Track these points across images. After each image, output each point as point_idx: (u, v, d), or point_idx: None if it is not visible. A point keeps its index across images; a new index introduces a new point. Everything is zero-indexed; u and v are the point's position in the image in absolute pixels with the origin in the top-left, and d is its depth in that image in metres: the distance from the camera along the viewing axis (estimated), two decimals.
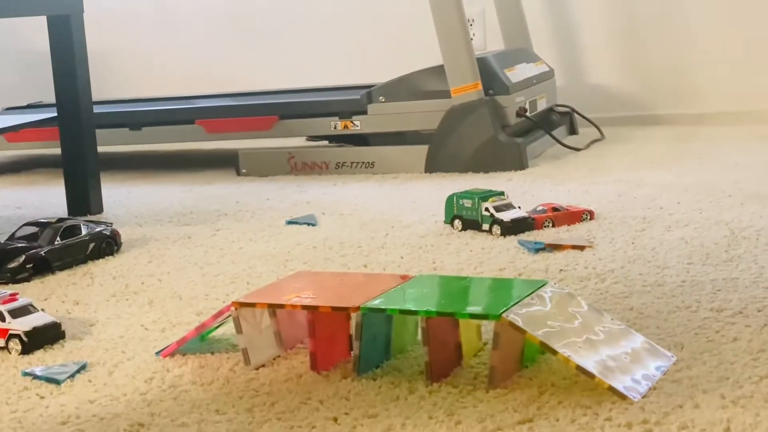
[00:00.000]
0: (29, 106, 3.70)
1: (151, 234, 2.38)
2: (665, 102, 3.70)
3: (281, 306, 1.44)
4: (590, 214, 2.26)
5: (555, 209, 2.24)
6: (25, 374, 1.48)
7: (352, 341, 1.41)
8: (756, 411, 1.21)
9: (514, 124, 3.07)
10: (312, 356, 1.43)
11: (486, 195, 2.21)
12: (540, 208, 2.25)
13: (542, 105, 3.31)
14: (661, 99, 3.70)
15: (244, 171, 3.15)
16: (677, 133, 3.45)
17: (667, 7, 3.66)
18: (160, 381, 1.43)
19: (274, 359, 1.49)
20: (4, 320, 1.59)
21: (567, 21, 3.77)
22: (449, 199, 2.26)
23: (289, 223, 2.41)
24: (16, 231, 2.16)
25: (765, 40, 3.58)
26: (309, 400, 1.33)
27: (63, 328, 1.65)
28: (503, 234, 2.15)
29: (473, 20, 3.77)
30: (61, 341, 1.63)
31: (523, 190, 2.64)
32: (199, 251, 2.19)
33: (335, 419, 1.27)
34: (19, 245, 2.08)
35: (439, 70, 3.05)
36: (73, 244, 2.12)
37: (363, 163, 3.06)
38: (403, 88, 3.10)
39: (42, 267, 2.06)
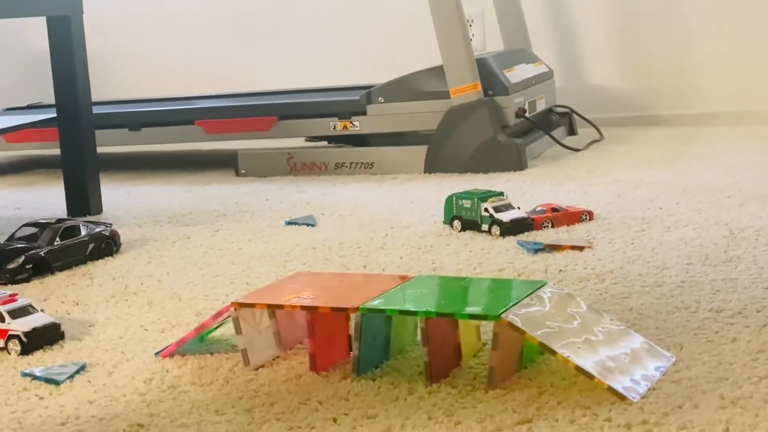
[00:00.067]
0: (29, 107, 3.70)
1: (151, 235, 2.38)
2: (664, 103, 3.70)
3: (280, 306, 1.44)
4: (589, 215, 2.26)
5: (554, 210, 2.24)
6: (25, 375, 1.48)
7: (352, 342, 1.41)
8: (755, 411, 1.21)
9: (513, 124, 3.07)
10: (311, 357, 1.43)
11: (485, 195, 2.21)
12: (539, 208, 2.25)
13: (541, 105, 3.31)
14: (660, 100, 3.70)
15: (243, 171, 3.15)
16: (676, 134, 3.45)
17: (666, 8, 3.66)
18: (160, 382, 1.43)
19: (273, 360, 1.49)
20: (3, 321, 1.59)
21: (566, 22, 3.77)
22: (448, 200, 2.26)
23: (289, 223, 2.41)
24: (15, 232, 2.16)
25: (764, 40, 3.58)
26: (308, 401, 1.33)
27: (62, 328, 1.65)
28: (502, 234, 2.15)
29: (472, 21, 3.77)
30: (60, 342, 1.63)
31: (523, 191, 2.64)
32: (198, 252, 2.19)
33: (334, 420, 1.27)
34: (19, 246, 2.08)
35: (438, 71, 3.05)
36: (73, 244, 2.12)
37: (362, 163, 3.06)
38: (403, 89, 3.10)
39: (41, 267, 2.06)
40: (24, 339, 1.58)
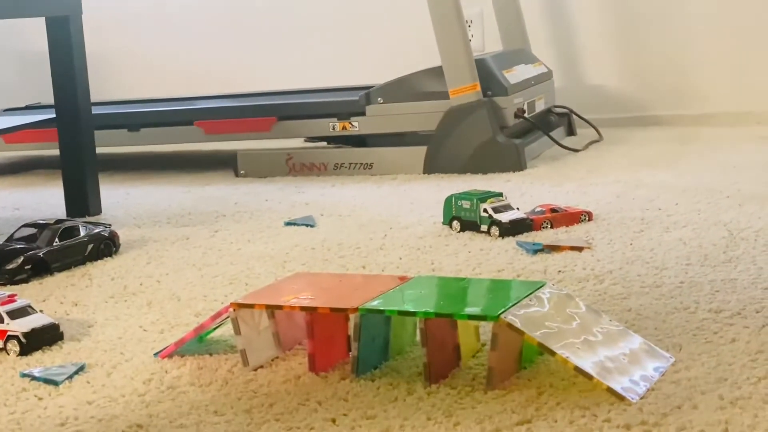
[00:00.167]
0: (28, 107, 3.70)
1: (150, 235, 2.38)
2: (663, 103, 3.70)
3: (280, 307, 1.44)
4: (588, 215, 2.26)
5: (553, 210, 2.24)
6: (24, 375, 1.48)
7: (351, 342, 1.41)
8: (754, 412, 1.21)
9: (512, 125, 3.07)
10: (310, 357, 1.43)
11: (484, 196, 2.21)
12: (538, 209, 2.25)
13: (540, 106, 3.31)
14: (659, 100, 3.70)
15: (242, 172, 3.15)
16: (675, 134, 3.45)
17: (666, 9, 3.66)
18: (159, 382, 1.43)
19: (272, 360, 1.49)
20: (2, 321, 1.59)
21: (565, 22, 3.77)
22: (448, 200, 2.26)
23: (288, 224, 2.41)
24: (14, 232, 2.16)
25: (763, 41, 3.58)
26: (307, 401, 1.33)
27: (61, 329, 1.65)
28: (502, 235, 2.15)
29: (472, 21, 3.77)
30: (59, 342, 1.63)
31: (522, 191, 2.64)
32: (197, 252, 2.19)
33: (333, 420, 1.27)
34: (18, 246, 2.08)
35: (437, 72, 3.05)
36: (72, 245, 2.12)
37: (361, 164, 3.06)
38: (402, 89, 3.10)
39: (40, 268, 2.06)
40: (23, 339, 1.58)
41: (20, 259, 2.03)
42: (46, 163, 3.56)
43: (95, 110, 2.79)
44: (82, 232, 2.15)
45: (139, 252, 2.22)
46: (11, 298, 1.63)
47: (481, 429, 1.22)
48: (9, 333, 1.58)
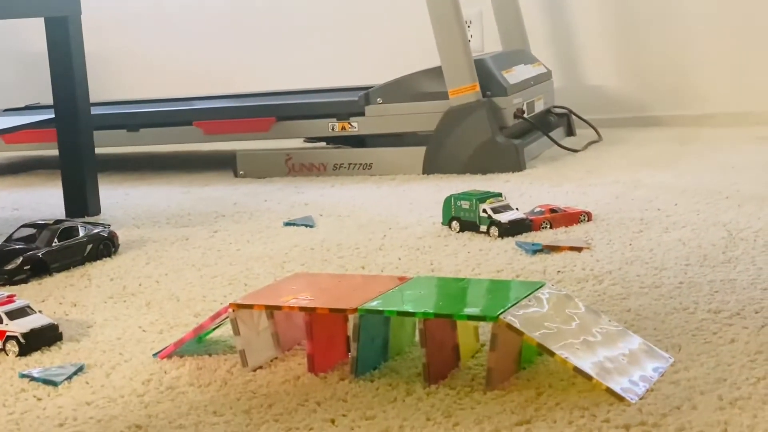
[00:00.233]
0: (27, 108, 3.70)
1: (149, 235, 2.38)
2: (663, 103, 3.70)
3: (279, 308, 1.44)
4: (588, 216, 2.26)
5: (553, 211, 2.24)
6: (23, 376, 1.48)
7: (350, 343, 1.41)
8: (754, 412, 1.21)
9: (511, 125, 3.07)
10: (309, 358, 1.43)
11: (484, 196, 2.21)
12: (538, 209, 2.25)
13: (540, 106, 3.31)
14: (659, 100, 3.70)
15: (241, 172, 3.15)
16: (675, 135, 3.45)
17: (665, 9, 3.66)
18: (158, 383, 1.43)
19: (271, 361, 1.49)
20: (1, 322, 1.59)
21: (564, 22, 3.77)
22: (447, 201, 2.26)
23: (287, 224, 2.41)
24: (13, 232, 2.16)
25: (762, 41, 3.58)
26: (306, 402, 1.33)
27: (60, 329, 1.65)
28: (501, 235, 2.15)
29: (471, 22, 3.77)
30: (58, 343, 1.62)
31: (521, 192, 2.64)
32: (196, 253, 2.19)
33: (332, 421, 1.27)
34: (17, 247, 2.07)
35: (436, 72, 3.05)
36: (71, 245, 2.12)
37: (361, 164, 3.06)
38: (401, 90, 3.10)
39: (39, 268, 2.06)
40: (22, 340, 1.58)
41: (19, 260, 2.03)
42: (46, 163, 3.56)
43: (94, 110, 2.79)
44: (81, 233, 2.15)
45: (138, 252, 2.22)
46: (10, 299, 1.63)
47: (480, 429, 1.22)
48: (8, 333, 1.58)
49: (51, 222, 2.15)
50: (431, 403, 1.30)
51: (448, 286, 1.52)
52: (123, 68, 4.18)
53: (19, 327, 1.58)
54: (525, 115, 3.12)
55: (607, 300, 1.69)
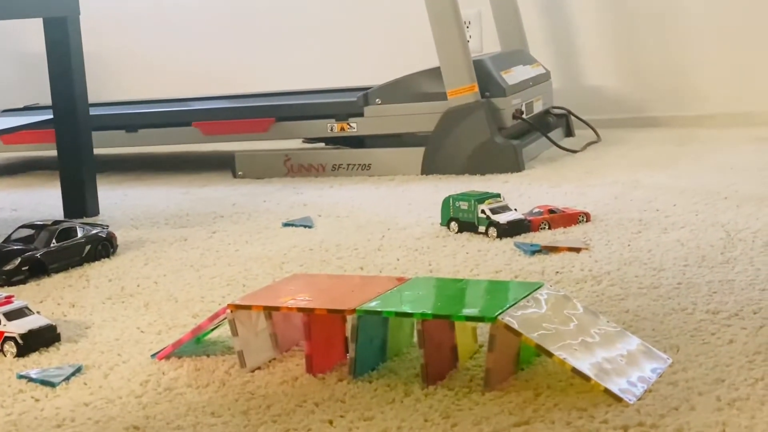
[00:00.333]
0: (26, 108, 3.70)
1: (147, 236, 2.38)
2: (661, 104, 3.70)
3: (277, 308, 1.44)
4: (586, 216, 2.26)
5: (551, 211, 2.24)
6: (21, 377, 1.48)
7: (348, 344, 1.40)
8: (752, 413, 1.21)
9: (510, 126, 3.07)
10: (308, 359, 1.43)
11: (482, 197, 2.21)
12: (536, 210, 2.25)
13: (538, 107, 3.31)
14: (657, 101, 3.70)
15: (240, 173, 3.15)
16: (673, 135, 3.45)
17: (663, 10, 3.66)
18: (156, 384, 1.43)
19: (269, 362, 1.49)
20: None
21: (563, 23, 3.77)
22: (445, 202, 2.26)
23: (286, 225, 2.41)
24: (12, 233, 2.16)
25: (761, 42, 3.58)
26: (304, 403, 1.33)
27: (58, 330, 1.65)
28: (499, 236, 2.15)
29: (470, 22, 3.77)
30: (56, 344, 1.62)
31: (520, 192, 2.64)
32: (195, 253, 2.18)
33: (331, 422, 1.27)
34: (15, 247, 2.07)
35: (435, 73, 3.05)
36: (69, 246, 2.12)
37: (359, 165, 3.06)
38: (400, 90, 3.10)
39: (38, 269, 2.05)
40: (20, 341, 1.58)
41: (18, 260, 2.03)
42: (44, 164, 3.55)
43: (93, 111, 2.79)
44: (80, 233, 2.15)
45: (137, 253, 2.22)
46: (8, 300, 1.63)
47: (478, 430, 1.21)
48: (6, 334, 1.58)
49: (49, 223, 2.15)
50: (429, 404, 1.30)
51: (447, 286, 1.52)
52: (122, 69, 4.18)
53: (17, 328, 1.58)
54: (524, 116, 3.12)
55: (606, 301, 1.68)
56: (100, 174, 2.87)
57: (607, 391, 1.27)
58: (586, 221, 2.25)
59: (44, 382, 1.45)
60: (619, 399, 1.26)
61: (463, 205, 2.21)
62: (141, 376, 1.46)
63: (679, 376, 1.34)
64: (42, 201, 2.95)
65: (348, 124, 3.13)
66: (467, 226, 2.21)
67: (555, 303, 1.41)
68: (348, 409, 1.30)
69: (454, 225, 2.23)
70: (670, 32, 3.66)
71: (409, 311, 1.37)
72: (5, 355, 1.58)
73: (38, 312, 1.67)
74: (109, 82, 4.08)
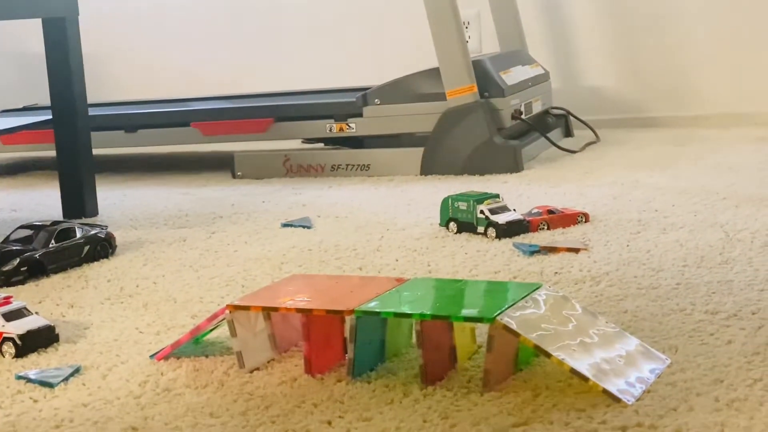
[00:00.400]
0: (25, 109, 3.70)
1: (146, 237, 2.38)
2: (660, 104, 3.70)
3: (276, 309, 1.44)
4: (585, 217, 2.26)
5: (550, 212, 2.24)
6: (19, 377, 1.48)
7: (347, 344, 1.40)
8: (750, 414, 1.21)
9: (509, 126, 3.07)
10: (306, 359, 1.43)
11: (481, 197, 2.21)
12: (535, 210, 2.25)
13: (537, 107, 3.31)
14: (656, 101, 3.70)
15: (239, 173, 3.15)
16: (672, 136, 3.45)
17: (662, 10, 3.66)
18: (154, 384, 1.43)
19: (268, 362, 1.49)
20: None
21: (562, 23, 3.77)
22: (444, 202, 2.26)
23: (285, 225, 2.41)
24: (10, 234, 2.16)
25: (760, 43, 3.58)
26: (303, 404, 1.33)
27: (57, 331, 1.64)
28: (498, 236, 2.15)
29: (469, 23, 3.77)
30: (55, 344, 1.62)
31: (519, 193, 2.64)
32: (194, 254, 2.18)
33: (329, 423, 1.27)
34: (14, 248, 2.07)
35: (434, 73, 3.05)
36: (68, 246, 2.12)
37: (358, 165, 3.06)
38: (399, 91, 3.10)
39: (36, 270, 2.05)
40: (18, 342, 1.57)
41: (16, 261, 2.03)
42: (43, 164, 3.55)
43: (92, 111, 2.79)
44: (79, 234, 2.15)
45: (136, 254, 2.22)
46: (7, 300, 1.63)
47: (477, 431, 1.21)
48: (4, 335, 1.58)
49: (48, 223, 2.15)
50: (428, 405, 1.30)
51: (446, 287, 1.52)
52: (121, 69, 4.18)
53: (15, 328, 1.58)
54: (523, 116, 3.12)
55: (604, 301, 1.68)
56: (99, 174, 2.87)
57: (605, 391, 1.27)
58: (585, 222, 2.25)
59: (43, 383, 1.45)
60: (617, 399, 1.26)
61: (462, 206, 2.21)
62: (139, 377, 1.46)
63: (678, 377, 1.34)
64: (41, 201, 2.95)
65: (347, 124, 3.13)
66: (466, 226, 2.21)
67: (554, 304, 1.41)
68: (347, 410, 1.30)
69: (453, 225, 2.23)
70: (670, 32, 3.67)
71: (408, 312, 1.37)
72: (4, 356, 1.58)
73: (37, 312, 1.67)
74: (108, 82, 4.08)
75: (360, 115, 3.12)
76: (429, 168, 2.99)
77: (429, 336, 1.36)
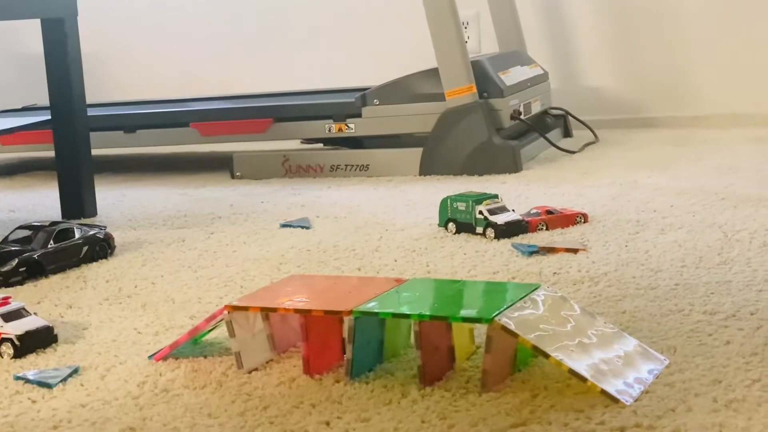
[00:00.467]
0: (24, 109, 3.70)
1: (145, 237, 2.38)
2: (659, 105, 3.70)
3: (274, 310, 1.44)
4: (584, 217, 2.26)
5: (549, 212, 2.24)
6: (17, 378, 1.48)
7: (345, 345, 1.40)
8: (748, 414, 1.21)
9: (508, 127, 3.07)
10: (305, 360, 1.43)
11: (480, 198, 2.21)
12: (534, 211, 2.25)
13: (536, 108, 3.32)
14: (655, 102, 3.70)
15: (238, 174, 3.15)
16: (671, 136, 3.45)
17: (662, 10, 3.67)
18: (153, 385, 1.43)
19: (266, 363, 1.49)
20: None
21: (561, 24, 3.77)
22: (443, 202, 2.26)
23: (283, 226, 2.41)
24: (9, 234, 2.16)
25: (758, 42, 3.58)
26: (301, 404, 1.33)
27: (56, 331, 1.64)
28: (497, 237, 2.15)
29: (468, 23, 3.77)
30: (53, 345, 1.62)
31: (517, 193, 2.64)
32: (192, 254, 2.18)
33: (328, 423, 1.27)
34: (13, 249, 2.07)
35: (433, 73, 3.05)
36: (67, 247, 2.12)
37: (357, 165, 3.06)
38: (398, 91, 3.10)
39: (35, 270, 2.05)
40: (17, 342, 1.57)
41: (15, 261, 2.03)
42: (42, 164, 3.55)
43: (91, 112, 2.79)
44: (77, 234, 2.15)
45: (135, 254, 2.22)
46: (5, 301, 1.63)
47: (475, 431, 1.22)
48: (3, 335, 1.58)
49: (47, 224, 2.15)
50: (426, 406, 1.30)
51: (444, 287, 1.52)
52: (119, 69, 4.18)
53: (14, 329, 1.58)
54: (522, 117, 3.12)
55: (603, 302, 1.69)
56: (98, 175, 2.87)
57: (603, 392, 1.27)
58: (584, 222, 2.25)
59: (41, 384, 1.45)
60: (615, 400, 1.26)
61: (461, 206, 2.21)
62: (138, 378, 1.46)
63: (676, 377, 1.34)
64: (40, 202, 2.95)
65: (346, 124, 3.13)
66: (465, 226, 2.21)
67: (552, 304, 1.41)
68: (345, 411, 1.30)
69: (451, 226, 2.23)
70: (669, 33, 3.67)
71: (407, 312, 1.37)
72: (2, 357, 1.58)
73: (35, 313, 1.67)
74: (107, 82, 4.08)
75: (359, 115, 3.12)
76: (428, 168, 2.99)
77: (427, 336, 1.36)
